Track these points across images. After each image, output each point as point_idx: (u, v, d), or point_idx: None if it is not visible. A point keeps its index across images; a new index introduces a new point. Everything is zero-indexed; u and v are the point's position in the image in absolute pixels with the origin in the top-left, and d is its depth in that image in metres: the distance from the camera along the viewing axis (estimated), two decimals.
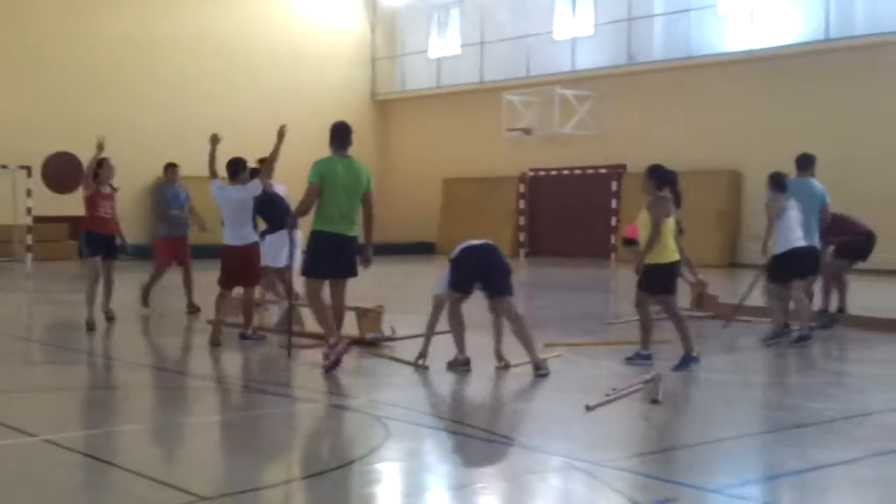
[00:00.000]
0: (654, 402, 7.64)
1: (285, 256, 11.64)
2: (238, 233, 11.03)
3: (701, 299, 13.55)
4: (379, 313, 10.93)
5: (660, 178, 9.59)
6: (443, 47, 33.11)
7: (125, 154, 27.07)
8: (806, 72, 24.01)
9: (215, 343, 10.66)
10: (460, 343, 9.33)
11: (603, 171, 27.71)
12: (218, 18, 30.67)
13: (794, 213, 10.98)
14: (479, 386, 8.86)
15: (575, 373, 9.40)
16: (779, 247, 10.97)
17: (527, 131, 28.69)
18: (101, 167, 12.32)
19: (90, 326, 11.91)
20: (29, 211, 24.97)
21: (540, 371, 8.94)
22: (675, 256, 9.56)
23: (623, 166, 27.11)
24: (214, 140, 11.06)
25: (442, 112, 32.37)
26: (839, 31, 23.47)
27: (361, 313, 10.90)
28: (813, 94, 23.75)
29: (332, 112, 31.93)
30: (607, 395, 7.72)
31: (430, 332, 9.38)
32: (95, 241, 12.35)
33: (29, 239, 24.89)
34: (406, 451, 6.55)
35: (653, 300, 9.59)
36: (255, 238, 11.27)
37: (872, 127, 22.75)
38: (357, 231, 9.49)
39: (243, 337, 11.11)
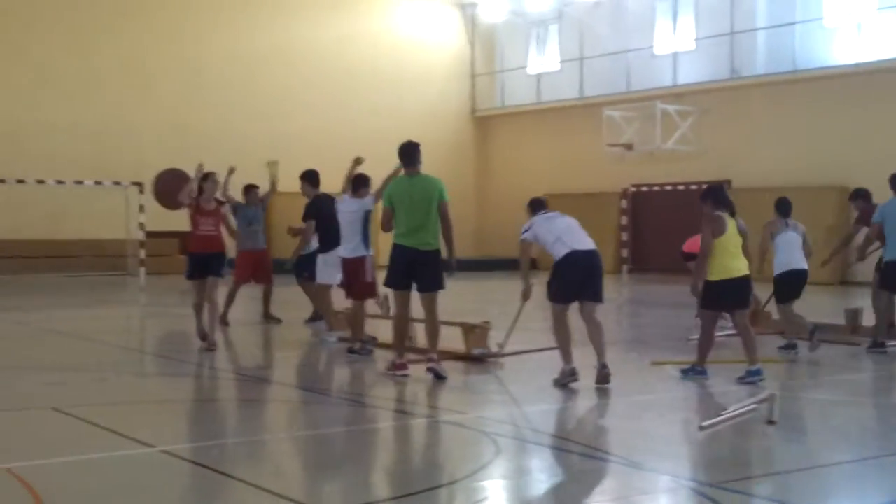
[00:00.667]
0: (770, 422, 7.49)
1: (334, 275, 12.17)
2: (347, 245, 11.56)
3: (755, 317, 13.21)
4: (486, 329, 10.94)
5: (714, 199, 9.65)
6: (542, 63, 33.09)
7: (228, 166, 27.82)
8: None
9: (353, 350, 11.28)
10: (566, 353, 9.28)
11: (706, 186, 27.28)
12: (320, 33, 31.17)
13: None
14: (586, 403, 8.80)
15: (684, 391, 9.28)
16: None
17: (628, 147, 28.48)
18: (205, 181, 11.84)
19: (202, 337, 11.78)
20: (141, 226, 25.64)
21: (603, 374, 9.10)
22: (735, 273, 9.48)
23: (728, 182, 26.71)
24: (357, 162, 12.28)
25: (541, 128, 32.33)
26: None
27: (468, 329, 10.92)
28: None
29: (431, 127, 32.55)
30: (720, 415, 7.60)
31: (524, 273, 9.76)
32: (194, 261, 11.82)
33: (142, 253, 25.56)
34: (515, 469, 6.53)
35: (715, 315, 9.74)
36: (364, 252, 11.50)
37: None
38: (436, 245, 9.71)
39: (351, 351, 11.25)
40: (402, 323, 9.90)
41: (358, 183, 11.79)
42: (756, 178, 25.80)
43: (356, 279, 11.43)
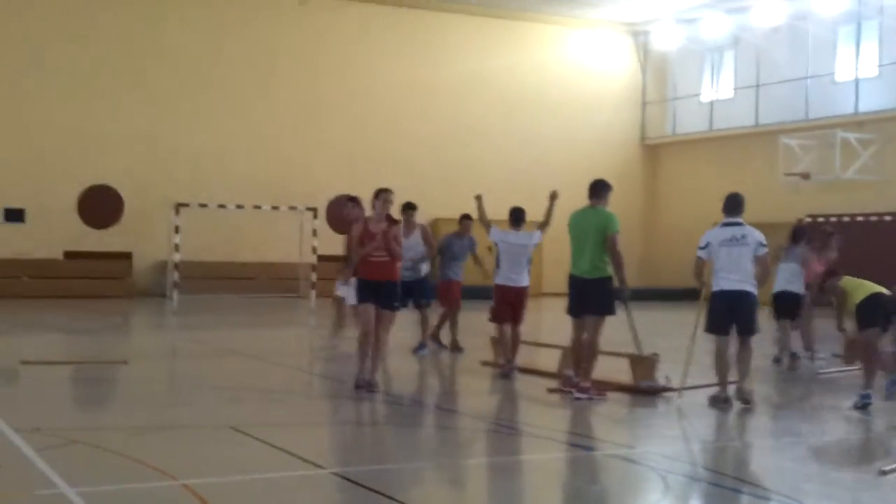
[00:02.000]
0: None
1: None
2: (514, 275, 11.93)
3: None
4: (654, 361, 10.76)
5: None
6: (715, 90, 32.46)
7: (399, 194, 28.36)
8: None
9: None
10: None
11: (888, 218, 26.23)
12: (490, 62, 31.44)
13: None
14: (759, 442, 8.53)
15: (864, 433, 8.90)
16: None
17: (805, 176, 27.61)
18: (376, 198, 10.60)
19: (357, 385, 10.38)
20: (314, 250, 26.35)
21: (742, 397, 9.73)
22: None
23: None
24: (479, 199, 12.64)
25: (713, 156, 31.68)
26: None
27: (636, 360, 10.77)
28: None
29: (600, 155, 32.37)
30: None
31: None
32: (364, 287, 10.46)
33: (313, 276, 26.24)
34: None
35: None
36: (526, 282, 12.04)
37: None
38: (600, 273, 10.20)
39: (504, 376, 11.58)
40: (579, 347, 10.40)
41: (518, 216, 12.34)
42: None
43: (522, 306, 12.04)
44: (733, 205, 10.22)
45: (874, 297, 10.14)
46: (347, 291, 13.76)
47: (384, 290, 10.35)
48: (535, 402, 10.46)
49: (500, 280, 11.99)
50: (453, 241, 14.76)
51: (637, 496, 6.69)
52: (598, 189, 10.42)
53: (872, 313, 10.07)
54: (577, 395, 10.12)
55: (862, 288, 10.25)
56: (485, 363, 12.65)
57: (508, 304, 11.87)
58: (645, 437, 8.82)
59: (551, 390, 10.75)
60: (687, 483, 6.94)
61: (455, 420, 9.61)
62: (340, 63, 29.47)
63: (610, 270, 10.21)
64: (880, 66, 27.11)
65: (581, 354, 10.31)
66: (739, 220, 10.13)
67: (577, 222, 10.34)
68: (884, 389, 10.35)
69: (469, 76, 31.07)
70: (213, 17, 28.16)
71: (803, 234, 13.42)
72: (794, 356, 13.18)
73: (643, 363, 10.76)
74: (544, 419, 9.52)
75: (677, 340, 13.92)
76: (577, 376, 10.37)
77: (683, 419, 9.44)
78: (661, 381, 10.66)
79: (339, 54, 29.46)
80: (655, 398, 10.38)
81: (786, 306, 13.32)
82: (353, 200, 13.89)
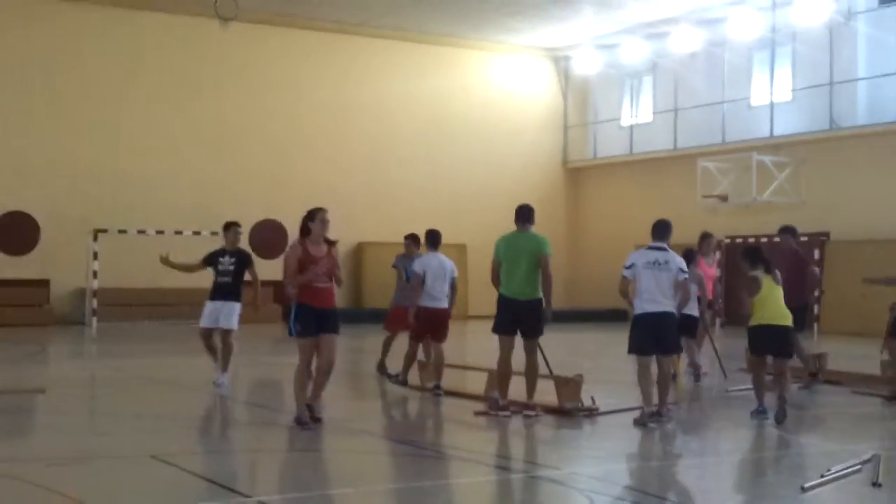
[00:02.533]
0: (875, 484, 7.25)
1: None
2: (435, 296, 12.45)
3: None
4: (579, 383, 10.83)
5: (750, 260, 10.60)
6: (635, 114, 32.98)
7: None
8: None
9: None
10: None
11: (804, 238, 26.78)
12: (413, 86, 31.54)
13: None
14: (681, 461, 8.62)
15: (782, 450, 9.05)
16: None
17: (723, 198, 28.13)
18: (311, 220, 9.78)
19: (301, 422, 9.70)
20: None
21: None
22: (771, 321, 10.36)
23: (826, 234, 26.19)
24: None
25: (634, 179, 32.15)
26: None
27: (561, 382, 10.83)
28: None
29: (524, 178, 32.65)
30: (823, 476, 7.38)
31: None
32: (306, 314, 9.71)
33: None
34: None
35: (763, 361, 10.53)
36: (447, 304, 12.54)
37: None
38: (534, 295, 10.48)
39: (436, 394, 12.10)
40: (503, 364, 10.62)
41: (437, 239, 12.70)
42: (855, 230, 25.25)
43: (445, 326, 12.49)
44: (661, 230, 10.65)
45: (766, 329, 10.38)
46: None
47: (330, 317, 9.66)
48: (462, 424, 10.45)
49: (428, 302, 12.38)
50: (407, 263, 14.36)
51: None
52: (528, 213, 10.74)
53: (760, 342, 10.47)
54: (527, 413, 10.43)
55: (763, 310, 10.42)
56: (413, 387, 12.66)
57: (429, 325, 12.36)
58: (571, 458, 8.86)
59: (478, 413, 10.76)
60: (611, 502, 6.98)
61: (381, 445, 9.56)
62: (263, 86, 29.31)
63: (540, 292, 10.50)
64: (794, 90, 27.78)
65: (527, 375, 10.56)
66: (664, 245, 10.54)
67: (511, 246, 10.57)
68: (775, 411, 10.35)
69: (393, 100, 31.12)
70: (134, 40, 27.81)
71: (693, 256, 13.59)
72: (697, 371, 13.70)
73: (568, 385, 10.82)
74: (471, 442, 9.51)
75: (601, 361, 14.02)
76: (501, 396, 10.60)
77: (609, 440, 9.50)
78: (587, 402, 10.73)
79: (262, 77, 29.30)
80: (581, 419, 10.44)
81: (684, 326, 13.05)
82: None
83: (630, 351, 10.29)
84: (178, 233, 26.54)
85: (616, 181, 32.87)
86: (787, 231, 13.76)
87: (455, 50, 32.18)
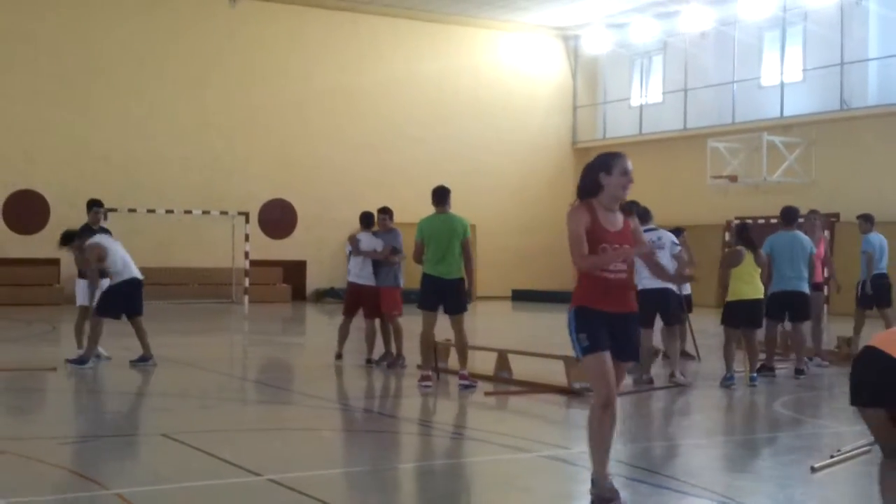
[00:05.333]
0: None
1: None
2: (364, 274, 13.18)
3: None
4: None
5: (738, 235, 11.80)
6: (645, 94, 32.86)
7: (331, 198, 28.38)
8: None
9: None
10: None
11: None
12: (423, 66, 31.49)
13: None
14: (694, 441, 8.63)
15: (796, 431, 9.05)
16: None
17: (732, 179, 28.06)
18: (605, 170, 6.24)
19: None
20: (246, 255, 26.11)
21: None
22: (745, 296, 11.55)
23: (836, 215, 26.11)
24: None
25: (643, 160, 31.88)
26: None
27: (571, 363, 10.84)
28: None
29: (533, 159, 32.58)
30: (832, 456, 7.38)
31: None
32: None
33: (246, 282, 26.00)
34: None
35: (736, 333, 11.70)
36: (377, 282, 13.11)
37: None
38: (458, 274, 11.19)
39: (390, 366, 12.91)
40: (427, 338, 11.26)
41: (370, 221, 13.37)
42: (865, 210, 25.13)
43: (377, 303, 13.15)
44: (642, 215, 11.61)
45: (742, 304, 11.55)
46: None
47: (631, 330, 6.32)
48: (473, 405, 10.47)
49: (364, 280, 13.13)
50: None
51: (571, 497, 6.72)
52: (444, 195, 11.36)
53: (735, 316, 11.65)
54: (462, 382, 11.08)
55: (739, 284, 11.55)
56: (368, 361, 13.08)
57: (357, 301, 13.18)
58: (579, 438, 8.86)
59: (489, 393, 10.80)
60: (622, 482, 6.98)
61: (390, 424, 9.58)
62: (273, 66, 29.29)
63: (463, 272, 11.19)
64: (805, 70, 27.65)
65: (458, 348, 11.29)
66: (653, 226, 11.73)
67: (434, 228, 11.22)
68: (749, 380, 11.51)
69: (402, 80, 31.07)
70: (143, 21, 27.82)
71: (680, 234, 13.49)
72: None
73: (577, 365, 10.81)
74: (480, 422, 9.53)
75: None
76: (424, 367, 11.31)
77: (617, 420, 9.48)
78: None
79: (272, 58, 29.28)
80: (589, 399, 10.43)
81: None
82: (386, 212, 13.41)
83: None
84: (188, 212, 26.58)
85: None
86: (814, 214, 14.14)
87: (464, 29, 32.09)
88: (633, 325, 6.20)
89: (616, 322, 6.06)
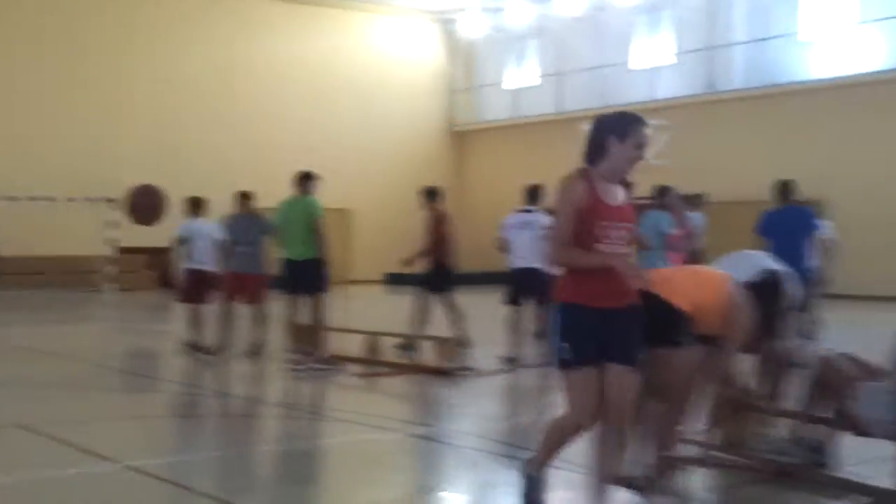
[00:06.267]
0: None
1: None
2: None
3: None
4: (458, 343, 10.86)
5: None
6: (520, 78, 33.14)
7: (206, 183, 27.77)
8: (891, 99, 23.48)
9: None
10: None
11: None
12: (300, 47, 31.14)
13: None
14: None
15: None
16: None
17: None
18: (619, 134, 5.15)
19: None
20: (113, 242, 25.43)
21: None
22: None
23: (703, 195, 26.75)
24: None
25: (519, 143, 32.35)
26: None
27: (440, 342, 10.84)
28: None
29: (410, 142, 32.56)
30: None
31: None
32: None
33: (112, 270, 25.35)
34: (482, 483, 6.45)
35: None
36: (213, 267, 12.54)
37: None
38: (311, 255, 11.08)
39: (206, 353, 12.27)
40: (290, 324, 11.32)
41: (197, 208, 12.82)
42: (733, 192, 25.87)
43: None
44: (530, 194, 11.96)
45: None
46: None
47: (628, 327, 5.17)
48: (341, 387, 10.40)
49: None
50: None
51: (436, 473, 6.71)
52: (304, 179, 11.36)
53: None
54: (315, 365, 10.94)
55: None
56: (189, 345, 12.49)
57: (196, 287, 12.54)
58: (447, 417, 8.88)
59: (357, 375, 10.76)
60: (486, 458, 7.00)
61: (256, 408, 9.44)
62: (147, 47, 28.59)
63: (317, 252, 11.09)
64: (676, 54, 28.25)
65: (311, 330, 11.19)
66: (532, 208, 11.76)
67: (287, 210, 11.28)
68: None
69: (278, 62, 30.68)
70: (4, 7, 26.77)
71: None
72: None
73: (447, 345, 10.84)
74: (349, 403, 9.46)
75: (483, 322, 14.14)
76: (296, 351, 11.19)
77: (486, 398, 9.54)
78: (465, 362, 10.77)
79: (143, 37, 28.53)
80: (458, 379, 10.47)
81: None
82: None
83: (505, 302, 11.79)
84: (51, 199, 25.73)
85: (502, 144, 33.03)
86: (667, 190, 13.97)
87: (341, 12, 31.87)
88: (634, 322, 5.00)
89: (613, 320, 4.91)
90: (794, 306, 6.48)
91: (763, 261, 6.64)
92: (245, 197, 12.67)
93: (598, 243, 4.89)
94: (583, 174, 5.05)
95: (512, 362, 11.19)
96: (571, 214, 4.92)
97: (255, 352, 12.33)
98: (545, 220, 11.38)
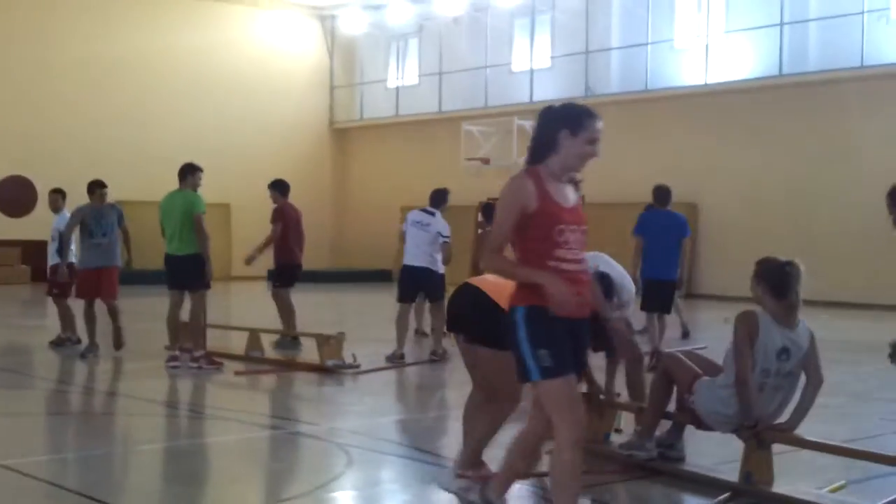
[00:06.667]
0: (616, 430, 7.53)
1: None
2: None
3: None
4: (340, 340, 10.86)
5: (486, 214, 12.45)
6: (401, 76, 33.20)
7: (79, 177, 27.03)
8: (760, 106, 24.32)
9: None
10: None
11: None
12: (178, 39, 30.51)
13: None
14: (441, 413, 8.81)
15: None
16: None
17: (485, 161, 28.78)
18: (572, 125, 4.93)
19: None
20: None
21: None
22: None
23: (580, 198, 27.24)
24: None
25: (400, 141, 32.39)
26: (792, 66, 23.80)
27: (322, 340, 10.83)
28: (767, 129, 24.04)
29: (291, 139, 32.30)
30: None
31: None
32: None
33: None
34: (367, 480, 6.49)
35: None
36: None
37: (825, 161, 23.06)
38: (190, 250, 10.92)
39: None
40: (172, 320, 11.15)
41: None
42: (609, 194, 26.43)
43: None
44: (432, 198, 12.30)
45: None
46: None
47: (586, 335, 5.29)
48: (222, 385, 10.29)
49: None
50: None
51: (319, 471, 6.72)
52: (184, 172, 11.18)
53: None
54: (191, 364, 10.81)
55: None
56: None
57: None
58: (331, 414, 8.89)
59: (239, 372, 10.67)
60: (369, 455, 7.05)
61: (134, 406, 9.27)
62: (14, 34, 27.59)
63: (195, 248, 10.92)
64: (553, 57, 28.70)
65: (190, 327, 11.02)
66: (433, 210, 12.00)
67: (166, 205, 11.11)
68: None
69: (155, 53, 29.98)
70: None
71: (492, 210, 14.04)
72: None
73: (329, 342, 10.84)
74: (230, 401, 9.38)
75: (365, 319, 14.14)
76: (171, 347, 11.09)
77: (369, 396, 9.58)
78: (348, 360, 10.77)
79: (12, 24, 27.56)
80: (342, 376, 10.48)
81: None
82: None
83: (397, 299, 11.80)
84: None
85: (383, 143, 33.01)
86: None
87: (219, 4, 31.37)
88: (587, 333, 4.69)
89: (572, 330, 4.53)
90: (625, 307, 7.28)
91: (601, 263, 7.24)
92: (98, 186, 12.20)
93: (559, 249, 4.50)
94: (531, 174, 4.62)
95: (398, 359, 11.30)
96: (514, 219, 4.48)
97: (118, 345, 12.06)
98: (442, 226, 11.80)
